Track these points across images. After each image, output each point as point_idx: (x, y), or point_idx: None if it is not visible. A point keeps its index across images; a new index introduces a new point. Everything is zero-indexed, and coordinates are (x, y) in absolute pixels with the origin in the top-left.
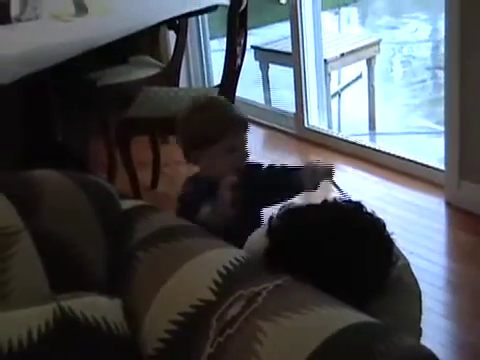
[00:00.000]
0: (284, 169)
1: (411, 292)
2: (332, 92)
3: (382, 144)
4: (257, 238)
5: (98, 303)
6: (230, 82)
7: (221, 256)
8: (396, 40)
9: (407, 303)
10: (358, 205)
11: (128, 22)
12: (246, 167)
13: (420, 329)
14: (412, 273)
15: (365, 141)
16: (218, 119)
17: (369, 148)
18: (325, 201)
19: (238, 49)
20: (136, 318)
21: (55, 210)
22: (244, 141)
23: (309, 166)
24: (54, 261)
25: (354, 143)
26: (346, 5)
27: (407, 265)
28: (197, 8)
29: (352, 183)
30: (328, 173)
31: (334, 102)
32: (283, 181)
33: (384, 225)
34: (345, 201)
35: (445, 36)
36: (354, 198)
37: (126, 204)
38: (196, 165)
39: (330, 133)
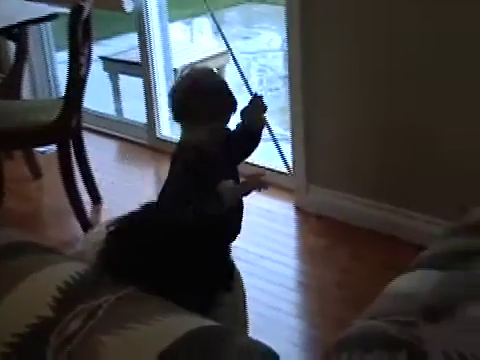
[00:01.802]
0: (237, 126)
1: (241, 283)
2: None
3: None
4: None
5: None
6: (75, 93)
7: (62, 271)
8: (249, 50)
9: (242, 294)
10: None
11: None
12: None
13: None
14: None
15: None
16: (231, 96)
17: None
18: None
19: (83, 59)
20: None
21: None
22: None
23: (248, 108)
24: None
25: None
26: (198, 16)
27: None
28: (34, 17)
29: None
30: (262, 103)
31: None
32: (240, 134)
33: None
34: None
35: (287, 46)
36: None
37: None
38: (192, 135)
39: None
